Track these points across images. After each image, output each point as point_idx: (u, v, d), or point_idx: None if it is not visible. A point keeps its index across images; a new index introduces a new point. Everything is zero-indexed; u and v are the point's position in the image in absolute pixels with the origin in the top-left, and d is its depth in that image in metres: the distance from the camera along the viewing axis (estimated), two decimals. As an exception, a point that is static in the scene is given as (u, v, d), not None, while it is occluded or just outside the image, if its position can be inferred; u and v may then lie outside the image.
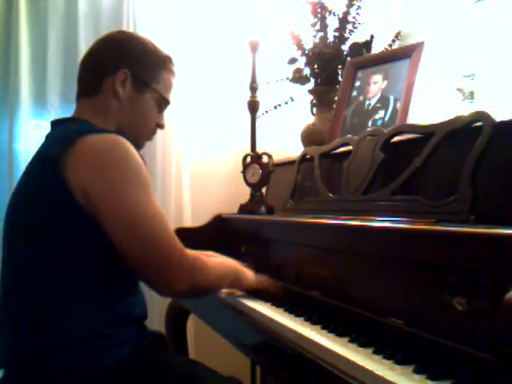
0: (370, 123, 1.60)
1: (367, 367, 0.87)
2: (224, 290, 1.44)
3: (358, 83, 1.73)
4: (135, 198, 1.09)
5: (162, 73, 1.31)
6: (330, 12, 1.91)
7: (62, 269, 1.08)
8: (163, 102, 1.33)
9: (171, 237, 1.12)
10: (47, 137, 1.24)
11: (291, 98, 2.11)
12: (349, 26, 1.92)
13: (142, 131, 1.32)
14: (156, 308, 2.07)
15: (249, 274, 1.38)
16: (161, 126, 1.37)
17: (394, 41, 1.90)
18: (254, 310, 1.30)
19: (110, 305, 1.13)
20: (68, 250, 1.09)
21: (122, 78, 1.24)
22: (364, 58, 1.78)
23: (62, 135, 1.16)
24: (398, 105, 1.52)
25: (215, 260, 1.29)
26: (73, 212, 1.08)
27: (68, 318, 1.08)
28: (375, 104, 1.62)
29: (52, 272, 1.09)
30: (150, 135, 1.36)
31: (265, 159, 1.94)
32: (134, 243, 1.09)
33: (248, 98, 2.22)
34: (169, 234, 1.11)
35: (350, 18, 1.91)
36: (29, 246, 1.11)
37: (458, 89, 1.46)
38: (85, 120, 1.22)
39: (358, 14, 1.91)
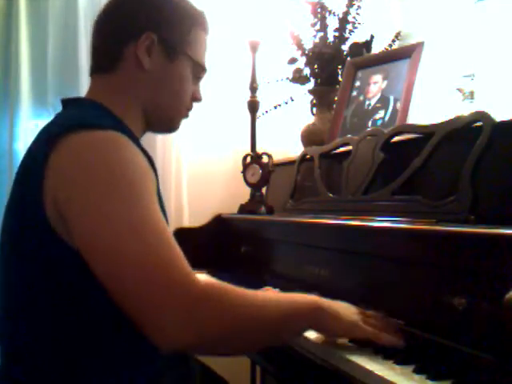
0: (370, 123, 1.60)
1: (367, 367, 0.87)
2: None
3: (358, 83, 1.73)
4: (115, 207, 0.81)
5: (195, 33, 1.07)
6: (330, 12, 1.91)
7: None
8: (200, 69, 1.10)
9: (171, 258, 0.81)
10: (47, 124, 1.01)
11: (291, 97, 2.11)
12: (349, 26, 1.92)
13: (177, 109, 1.09)
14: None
15: (342, 316, 0.92)
16: (198, 99, 1.13)
17: (393, 41, 1.90)
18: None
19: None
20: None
21: (148, 43, 1.01)
22: (364, 58, 1.78)
23: (50, 128, 0.95)
24: (398, 105, 1.52)
25: (261, 295, 0.89)
26: (51, 245, 0.85)
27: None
28: (375, 104, 1.62)
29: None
30: (186, 112, 1.12)
31: (265, 159, 1.94)
32: (106, 267, 0.81)
33: (248, 98, 2.22)
34: (167, 255, 0.81)
35: (350, 18, 1.91)
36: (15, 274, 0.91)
37: (457, 89, 1.46)
38: (98, 103, 1.00)
39: (358, 13, 1.90)
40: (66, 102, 1.05)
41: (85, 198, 0.82)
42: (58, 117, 1.01)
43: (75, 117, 0.94)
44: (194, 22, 1.07)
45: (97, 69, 1.05)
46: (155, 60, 1.02)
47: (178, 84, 1.07)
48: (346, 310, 0.95)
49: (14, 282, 0.91)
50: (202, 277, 0.83)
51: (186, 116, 1.13)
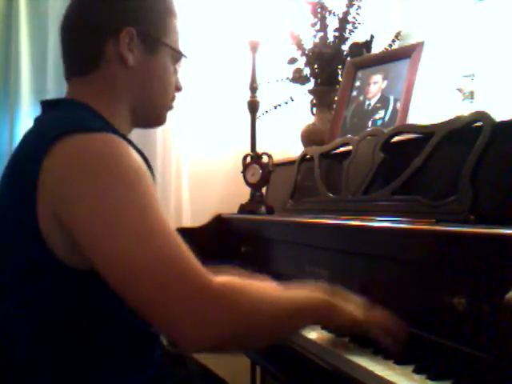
0: (370, 123, 1.60)
1: (367, 367, 0.87)
2: None
3: (358, 83, 1.73)
4: (120, 211, 0.80)
5: (170, 21, 1.04)
6: (330, 12, 1.91)
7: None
8: (179, 57, 1.08)
9: (181, 258, 0.79)
10: (32, 126, 0.98)
11: (291, 97, 2.11)
12: (349, 26, 1.92)
13: (163, 100, 1.07)
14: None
15: (351, 310, 0.94)
16: (179, 89, 1.11)
17: (393, 41, 1.90)
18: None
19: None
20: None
21: (128, 39, 0.97)
22: (364, 58, 1.78)
23: (42, 133, 0.89)
24: (398, 105, 1.52)
25: (274, 290, 0.89)
26: (41, 257, 0.83)
27: None
28: (375, 104, 1.62)
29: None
30: (171, 103, 1.10)
31: (265, 159, 1.94)
32: (119, 276, 0.79)
33: (248, 98, 2.22)
34: (177, 255, 0.79)
35: (350, 18, 1.91)
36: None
37: (457, 89, 1.46)
38: (83, 104, 0.96)
39: (358, 13, 1.90)
40: (48, 104, 1.01)
41: (89, 208, 0.80)
42: (46, 121, 0.96)
43: (68, 120, 0.90)
44: (166, 9, 1.04)
45: (75, 72, 1.01)
46: (137, 55, 0.99)
47: (162, 75, 1.04)
48: (353, 304, 0.95)
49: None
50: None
51: (172, 108, 1.11)
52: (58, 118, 0.92)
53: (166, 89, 1.06)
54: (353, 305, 0.95)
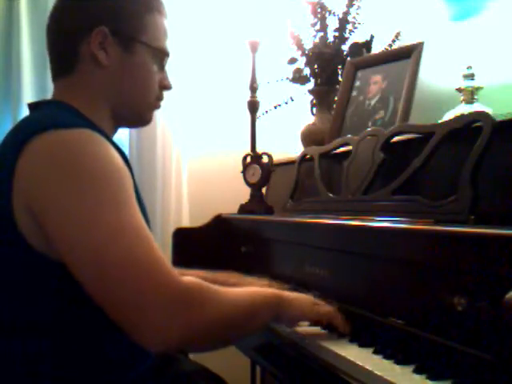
0: (369, 123, 1.60)
1: (367, 367, 0.87)
2: None
3: (357, 83, 1.73)
4: (91, 210, 0.80)
5: (149, 18, 1.03)
6: (330, 12, 1.91)
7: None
8: (161, 55, 1.06)
9: (149, 258, 0.80)
10: (14, 126, 0.99)
11: (291, 98, 2.11)
12: (349, 26, 1.92)
13: (145, 100, 1.05)
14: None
15: (298, 303, 1.04)
16: (166, 87, 1.09)
17: (393, 41, 1.90)
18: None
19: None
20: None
21: (100, 38, 0.97)
22: (364, 58, 1.78)
23: (18, 131, 0.91)
24: (398, 105, 1.52)
25: (232, 291, 0.93)
26: (27, 259, 0.85)
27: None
28: (375, 104, 1.62)
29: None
30: (156, 102, 1.08)
31: (265, 159, 1.94)
32: (87, 268, 0.80)
33: (248, 98, 2.22)
34: (145, 255, 0.80)
35: (350, 18, 1.91)
36: None
37: (457, 89, 1.46)
38: (64, 103, 0.98)
39: (357, 13, 1.91)
40: (35, 105, 1.02)
41: (61, 203, 0.81)
42: (25, 120, 0.97)
43: (46, 117, 0.91)
44: (145, 7, 1.03)
45: (57, 73, 1.03)
46: (112, 54, 0.99)
47: (140, 74, 1.03)
48: (301, 296, 1.06)
49: None
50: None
51: (158, 107, 1.10)
52: (37, 117, 0.94)
53: (146, 87, 1.05)
54: (302, 299, 1.05)
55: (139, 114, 1.07)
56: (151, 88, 1.05)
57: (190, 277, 0.85)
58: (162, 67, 1.08)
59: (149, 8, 1.03)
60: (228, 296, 0.90)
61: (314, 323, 1.11)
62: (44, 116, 0.92)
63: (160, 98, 1.09)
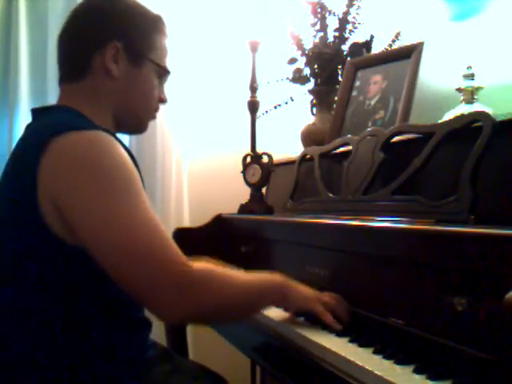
0: (370, 123, 1.60)
1: (367, 367, 0.87)
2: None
3: (357, 83, 1.73)
4: (112, 205, 0.91)
5: (156, 38, 1.14)
6: (330, 12, 1.91)
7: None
8: (163, 73, 1.17)
9: (164, 246, 0.93)
10: (25, 131, 1.08)
11: (291, 98, 2.11)
12: (349, 26, 1.92)
13: (145, 111, 1.16)
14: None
15: (302, 291, 1.14)
16: (163, 101, 1.20)
17: (394, 41, 1.90)
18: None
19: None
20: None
21: (113, 52, 1.07)
22: (364, 58, 1.78)
23: (38, 133, 0.99)
24: (398, 105, 1.52)
25: (241, 276, 1.05)
26: (49, 246, 0.93)
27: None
28: (375, 104, 1.62)
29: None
30: (154, 113, 1.20)
31: (265, 159, 1.94)
32: (112, 256, 0.91)
33: (248, 98, 2.22)
34: (160, 244, 0.93)
35: (350, 18, 1.91)
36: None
37: (457, 89, 1.46)
38: (72, 109, 1.06)
39: (357, 13, 1.91)
40: (39, 111, 1.10)
41: (84, 200, 0.91)
42: (43, 122, 1.04)
43: (64, 120, 0.99)
44: (153, 27, 1.14)
45: (66, 78, 1.11)
46: (122, 67, 1.09)
47: (145, 88, 1.14)
48: (305, 288, 1.14)
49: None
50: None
51: (154, 117, 1.21)
52: (50, 121, 1.01)
53: (147, 100, 1.16)
54: (306, 289, 1.14)
55: (138, 123, 1.17)
56: (152, 101, 1.17)
57: (202, 263, 0.98)
58: (161, 82, 1.19)
59: (156, 28, 1.15)
60: (237, 280, 1.03)
61: (315, 318, 1.13)
62: (62, 119, 1.01)
63: (157, 110, 1.21)
